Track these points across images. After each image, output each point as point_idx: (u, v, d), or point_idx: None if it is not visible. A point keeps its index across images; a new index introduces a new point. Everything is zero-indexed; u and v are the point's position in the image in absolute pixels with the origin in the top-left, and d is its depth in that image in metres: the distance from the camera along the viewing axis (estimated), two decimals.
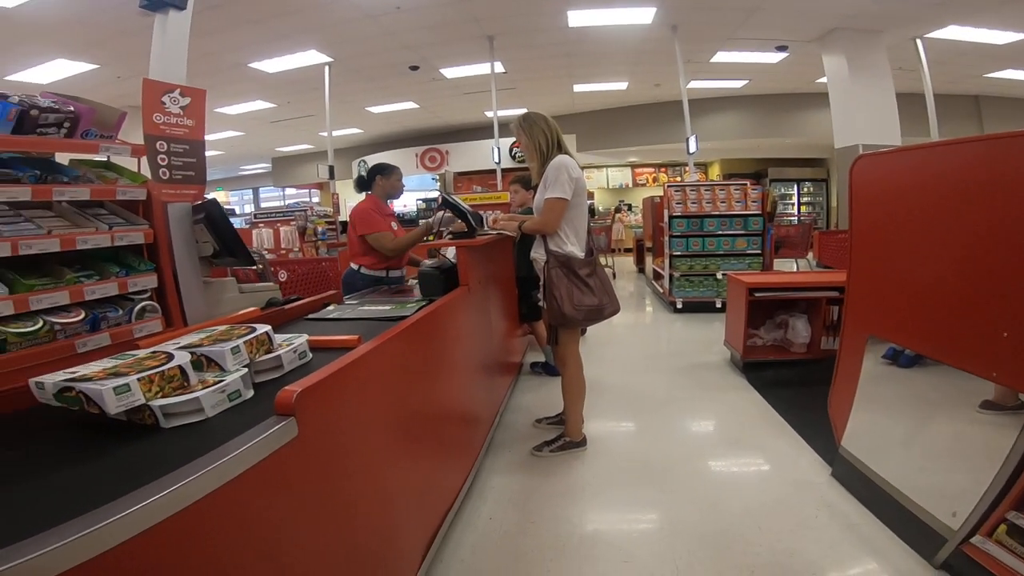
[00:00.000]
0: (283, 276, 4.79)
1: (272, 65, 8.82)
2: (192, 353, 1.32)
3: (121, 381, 1.11)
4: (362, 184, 3.64)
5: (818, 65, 8.86)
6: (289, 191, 20.28)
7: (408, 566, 1.72)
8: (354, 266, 3.54)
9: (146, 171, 2.14)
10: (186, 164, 2.25)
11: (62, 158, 1.98)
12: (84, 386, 1.09)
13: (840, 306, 3.87)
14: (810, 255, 8.10)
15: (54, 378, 1.15)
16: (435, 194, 15.95)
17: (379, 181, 3.60)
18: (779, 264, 7.27)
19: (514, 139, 13.67)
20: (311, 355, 1.60)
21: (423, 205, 15.44)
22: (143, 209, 2.05)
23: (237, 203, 21.19)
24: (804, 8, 7.26)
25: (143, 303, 1.88)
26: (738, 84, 11.54)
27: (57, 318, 1.62)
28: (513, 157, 14.13)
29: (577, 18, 7.67)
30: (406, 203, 17.03)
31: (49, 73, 7.70)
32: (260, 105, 11.27)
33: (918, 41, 8.02)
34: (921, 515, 1.94)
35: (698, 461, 2.89)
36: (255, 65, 8.73)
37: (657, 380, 4.19)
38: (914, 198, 2.07)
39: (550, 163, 2.67)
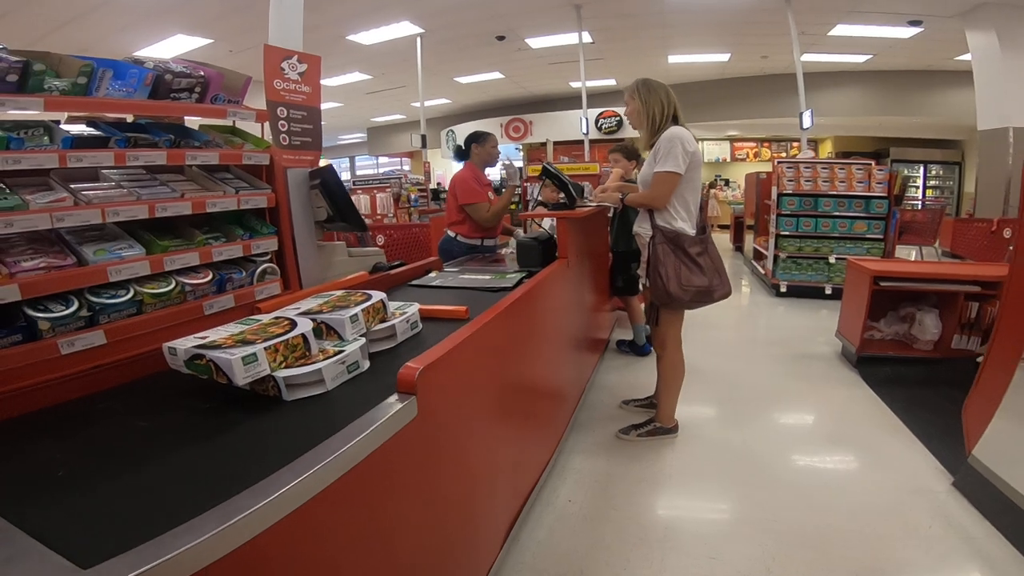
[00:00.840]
0: (380, 240, 4.97)
1: (368, 37, 9.04)
2: (313, 320, 1.32)
3: (249, 350, 1.11)
4: (460, 154, 3.65)
5: (957, 41, 7.92)
6: (382, 160, 20.92)
7: (491, 546, 1.70)
8: (451, 233, 3.56)
9: (268, 137, 2.21)
10: (304, 130, 2.32)
11: (191, 123, 2.07)
12: (214, 354, 1.11)
13: (981, 303, 3.53)
14: (937, 243, 7.32)
15: (186, 344, 1.17)
16: (518, 163, 15.93)
17: (475, 150, 3.60)
18: (900, 251, 6.62)
19: (602, 110, 13.22)
20: (421, 325, 1.58)
21: (507, 175, 15.43)
22: (265, 174, 2.12)
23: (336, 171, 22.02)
24: None
25: (264, 265, 1.95)
26: (860, 59, 10.45)
27: (188, 279, 1.70)
28: (599, 128, 13.76)
29: None
30: (489, 172, 17.14)
31: (170, 48, 8.21)
32: (357, 77, 11.61)
33: None
34: None
35: (799, 457, 2.70)
36: (353, 38, 8.97)
37: (757, 368, 3.94)
38: None
39: (663, 134, 2.49)
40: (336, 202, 2.24)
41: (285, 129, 2.22)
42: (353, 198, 8.59)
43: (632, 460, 2.63)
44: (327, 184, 2.23)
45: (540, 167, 3.23)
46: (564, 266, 2.57)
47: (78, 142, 1.57)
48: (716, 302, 2.61)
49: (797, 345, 4.47)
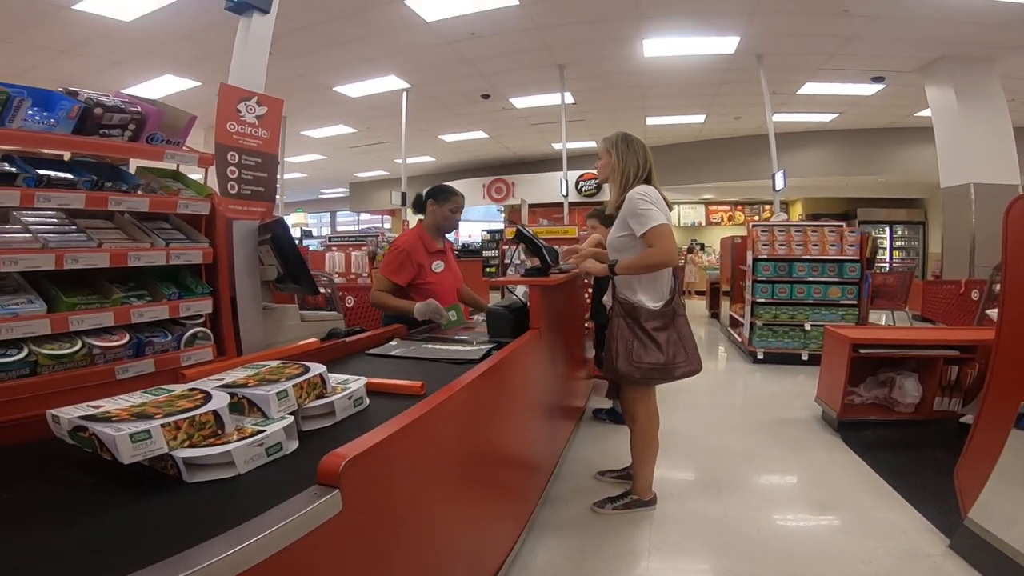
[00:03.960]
0: (350, 302, 4.70)
1: (355, 90, 9.17)
2: (233, 394, 1.15)
3: (142, 426, 0.95)
4: (418, 206, 3.07)
5: (918, 97, 8.21)
6: (364, 216, 20.99)
7: None
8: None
9: (213, 184, 2.03)
10: (257, 179, 2.14)
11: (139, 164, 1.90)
12: (98, 428, 0.95)
13: (961, 365, 3.56)
14: (906, 307, 7.36)
15: (71, 413, 1.02)
16: (500, 225, 16.07)
17: (431, 207, 2.99)
18: (872, 316, 6.63)
19: (582, 172, 13.52)
20: (368, 401, 1.41)
21: (487, 236, 15.58)
22: (205, 225, 1.92)
23: (316, 225, 22.05)
24: (908, 36, 6.72)
25: (194, 329, 1.75)
26: (827, 118, 10.90)
27: (98, 340, 1.50)
28: (579, 191, 13.97)
29: (653, 47, 7.44)
30: (471, 233, 17.23)
31: (159, 88, 8.13)
32: (342, 129, 11.73)
33: None
34: None
35: (786, 525, 2.56)
36: (339, 89, 9.09)
37: (736, 435, 3.79)
38: None
39: (630, 192, 2.36)
40: (287, 260, 2.05)
41: (235, 176, 2.04)
42: (328, 254, 8.53)
43: (608, 535, 2.44)
44: (278, 239, 2.05)
45: (514, 229, 3.08)
46: (536, 337, 2.41)
47: None
48: (679, 379, 2.46)
49: (776, 411, 4.36)
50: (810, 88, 8.99)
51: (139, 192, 1.72)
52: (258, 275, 2.09)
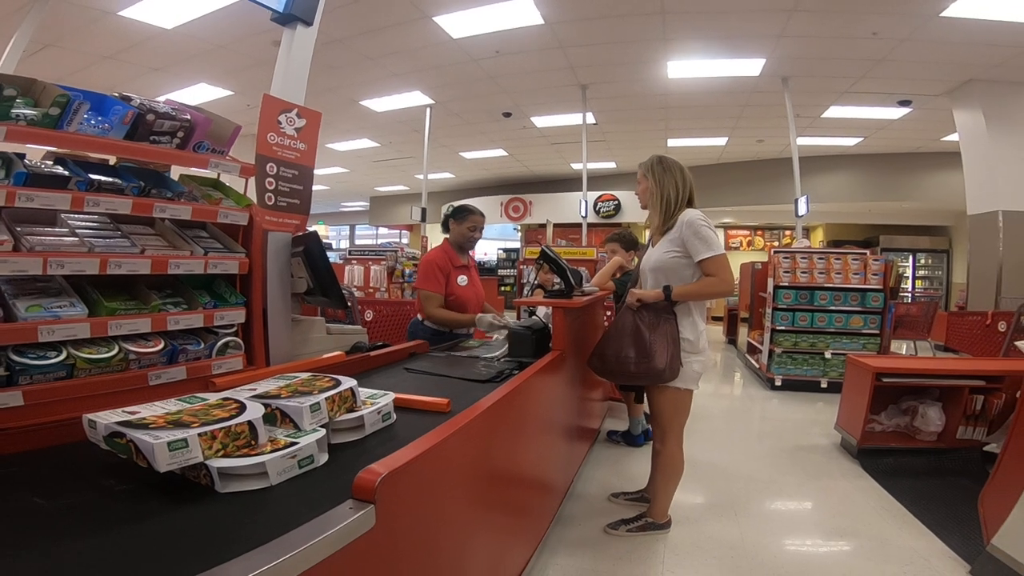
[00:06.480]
0: (369, 316, 4.69)
1: (380, 104, 9.28)
2: (267, 405, 1.16)
3: (179, 435, 0.97)
4: (444, 225, 3.28)
5: (946, 121, 8.02)
6: (382, 230, 21.13)
7: None
8: (419, 316, 3.20)
9: (251, 194, 2.06)
10: (293, 191, 2.15)
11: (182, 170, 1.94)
12: (137, 435, 0.97)
13: (987, 395, 3.51)
14: (929, 338, 7.21)
15: (108, 418, 1.03)
16: (516, 244, 16.15)
17: (452, 225, 3.18)
18: (894, 345, 6.52)
19: (600, 193, 13.48)
20: (395, 416, 1.42)
21: (503, 255, 15.67)
22: (243, 235, 1.95)
23: (335, 238, 22.36)
24: (937, 58, 6.61)
25: (227, 338, 1.77)
26: (851, 142, 10.74)
27: (134, 346, 1.53)
28: (598, 212, 13.95)
29: (677, 69, 7.45)
30: (487, 251, 17.31)
31: (194, 96, 8.27)
32: (366, 144, 11.84)
33: None
34: None
35: (805, 551, 2.52)
36: (366, 103, 9.20)
37: (755, 460, 3.74)
38: None
39: (685, 217, 2.35)
40: (318, 273, 2.08)
41: (272, 187, 2.06)
42: (347, 268, 8.58)
43: (621, 558, 2.41)
44: (311, 253, 2.07)
45: (539, 250, 3.11)
46: (558, 359, 2.41)
47: (33, 180, 1.43)
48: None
49: (795, 437, 4.30)
50: (835, 111, 8.89)
51: (182, 200, 1.76)
52: (289, 287, 2.12)
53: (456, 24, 6.31)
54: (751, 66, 7.22)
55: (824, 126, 9.64)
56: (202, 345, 1.71)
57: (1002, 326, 5.80)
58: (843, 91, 7.95)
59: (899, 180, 11.35)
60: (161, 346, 1.58)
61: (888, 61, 6.76)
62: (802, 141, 9.10)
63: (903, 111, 8.62)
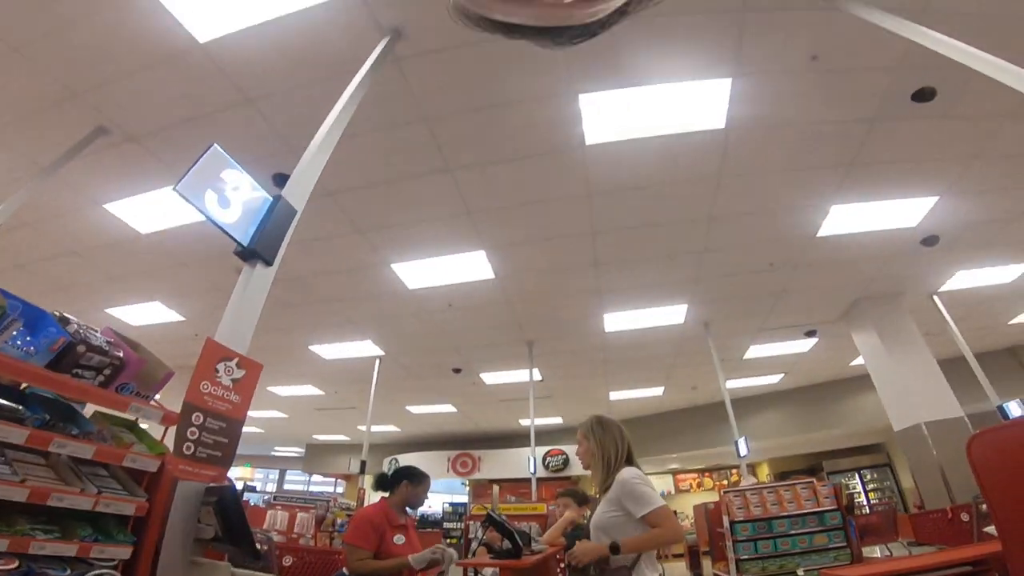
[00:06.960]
0: (288, 561, 4.41)
1: (330, 351, 9.24)
2: None
3: None
4: (382, 484, 3.28)
5: (850, 347, 8.59)
6: (316, 478, 19.84)
7: None
8: (345, 571, 3.05)
9: (169, 441, 1.89)
10: (217, 443, 1.99)
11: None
12: None
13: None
14: (899, 538, 6.98)
15: None
16: (463, 499, 15.38)
17: (405, 487, 3.22)
18: (867, 551, 6.29)
19: (549, 448, 13.53)
20: None
21: (449, 509, 14.74)
22: (149, 479, 1.78)
23: (261, 480, 21.00)
24: (826, 282, 7.27)
25: (102, 571, 1.48)
26: (774, 379, 11.51)
27: None
28: (547, 466, 13.83)
29: (613, 322, 8.10)
30: (431, 504, 16.22)
31: (146, 314, 7.85)
32: (310, 391, 11.60)
33: (935, 298, 7.68)
34: None
35: None
36: (315, 348, 9.11)
37: None
38: None
39: (620, 477, 2.35)
40: (229, 525, 1.85)
41: (195, 437, 1.87)
42: (269, 512, 7.75)
43: None
44: (223, 505, 1.87)
45: (485, 512, 3.04)
46: None
47: None
48: None
49: None
50: (754, 351, 9.63)
51: (88, 439, 1.60)
52: (192, 532, 1.85)
53: (413, 275, 6.64)
54: (676, 313, 7.91)
55: (748, 367, 10.40)
56: (68, 572, 1.42)
57: (964, 516, 5.79)
58: (757, 328, 8.69)
59: (825, 409, 11.96)
60: (15, 565, 1.32)
61: (789, 293, 7.47)
62: (731, 384, 9.71)
63: (811, 341, 9.37)
